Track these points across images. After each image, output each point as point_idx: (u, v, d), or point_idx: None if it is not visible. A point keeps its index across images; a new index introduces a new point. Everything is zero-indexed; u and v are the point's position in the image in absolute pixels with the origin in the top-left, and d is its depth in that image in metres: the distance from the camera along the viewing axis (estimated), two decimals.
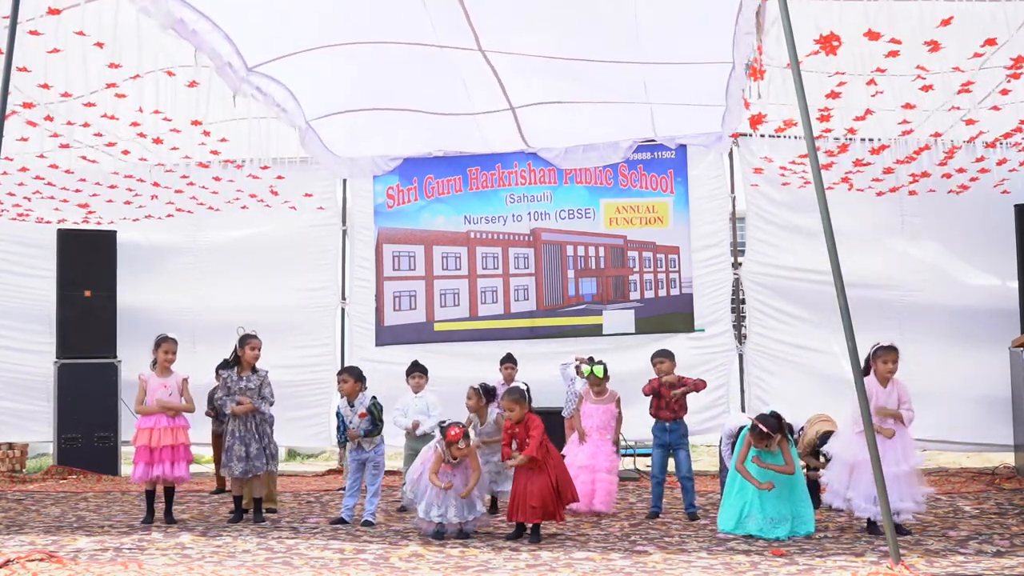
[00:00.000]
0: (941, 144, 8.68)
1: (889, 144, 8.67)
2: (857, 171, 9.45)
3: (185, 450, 7.63)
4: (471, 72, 7.60)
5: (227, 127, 8.53)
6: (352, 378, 7.48)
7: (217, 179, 10.06)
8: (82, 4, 5.93)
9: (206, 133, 8.48)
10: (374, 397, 7.56)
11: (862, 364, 7.04)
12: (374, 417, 7.46)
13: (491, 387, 7.82)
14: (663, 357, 7.80)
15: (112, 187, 9.89)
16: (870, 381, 6.60)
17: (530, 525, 6.64)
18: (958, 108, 7.66)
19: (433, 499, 6.71)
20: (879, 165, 9.17)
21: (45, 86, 7.01)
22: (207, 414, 9.21)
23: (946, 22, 6.02)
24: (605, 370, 7.84)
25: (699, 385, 7.80)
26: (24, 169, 9.18)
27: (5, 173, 9.09)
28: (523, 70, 7.54)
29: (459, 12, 6.55)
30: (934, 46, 6.36)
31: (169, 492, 7.66)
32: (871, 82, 7.04)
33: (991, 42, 6.32)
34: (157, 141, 8.62)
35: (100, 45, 6.43)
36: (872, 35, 6.10)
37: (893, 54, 6.54)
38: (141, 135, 8.47)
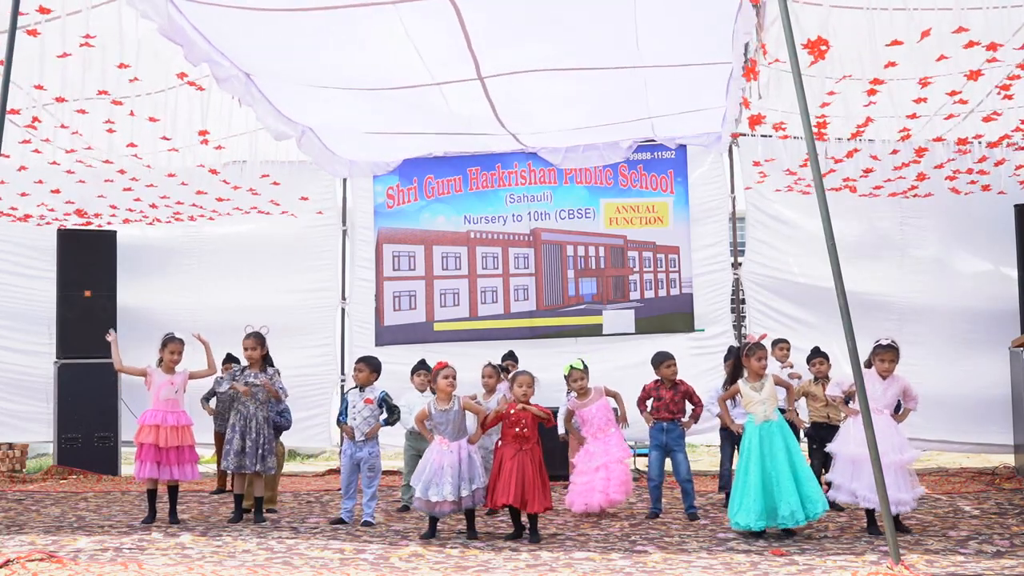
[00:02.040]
0: (941, 146, 8.68)
1: (895, 149, 8.66)
2: (858, 178, 9.45)
3: (191, 451, 7.69)
4: (469, 96, 7.74)
5: (227, 131, 8.54)
6: (368, 368, 7.69)
7: (220, 198, 10.07)
8: (84, 10, 5.93)
9: (204, 142, 8.49)
10: (385, 391, 7.68)
11: (864, 359, 7.09)
12: (388, 406, 7.63)
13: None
14: (673, 361, 7.81)
15: (106, 185, 9.88)
16: (869, 373, 6.64)
17: (528, 524, 6.64)
18: (955, 116, 7.65)
19: (434, 478, 6.68)
20: (879, 171, 9.17)
21: (39, 87, 7.00)
22: (206, 400, 9.27)
23: (960, 29, 6.01)
24: (573, 367, 7.74)
25: (697, 412, 7.87)
26: (23, 168, 9.18)
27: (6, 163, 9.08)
28: (523, 81, 7.58)
29: (461, 41, 6.60)
30: (938, 54, 6.35)
31: (173, 492, 7.67)
32: (872, 92, 7.03)
33: (992, 47, 6.32)
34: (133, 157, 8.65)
35: (90, 45, 6.41)
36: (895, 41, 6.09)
37: (891, 64, 6.53)
38: (138, 145, 8.49)
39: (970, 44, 6.22)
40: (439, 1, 6.12)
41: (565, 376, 7.77)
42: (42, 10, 5.98)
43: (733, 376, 7.02)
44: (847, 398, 6.87)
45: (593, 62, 7.38)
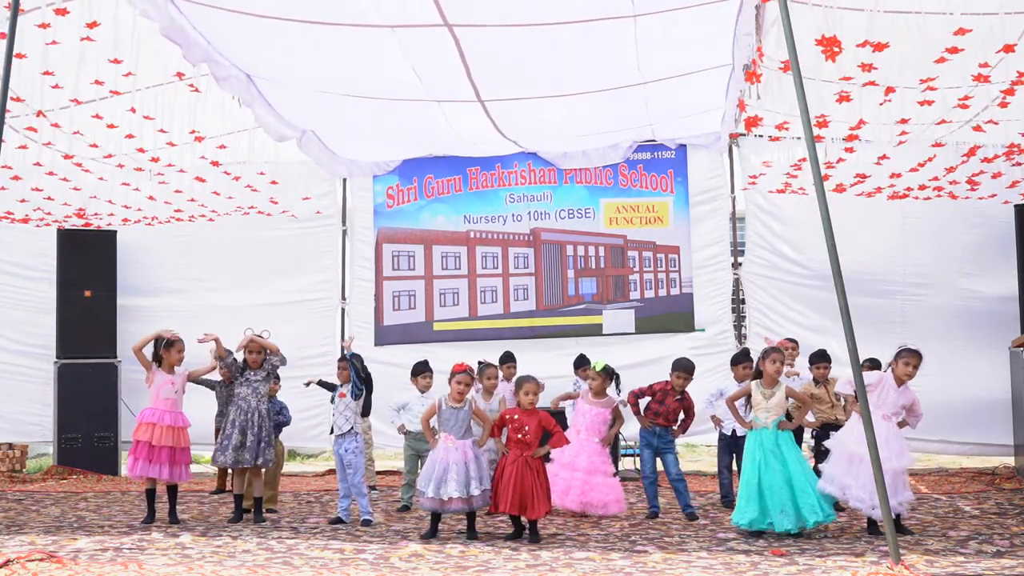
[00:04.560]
0: (941, 154, 8.68)
1: (888, 156, 8.67)
2: (856, 182, 9.47)
3: (184, 452, 7.67)
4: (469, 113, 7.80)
5: (227, 132, 8.55)
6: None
7: (216, 193, 10.09)
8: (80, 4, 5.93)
9: (199, 139, 8.50)
10: (355, 355, 7.56)
11: (885, 365, 7.08)
12: (356, 371, 7.47)
13: (482, 363, 8.14)
14: (691, 375, 7.75)
15: (106, 185, 9.88)
16: (886, 376, 6.67)
17: (527, 524, 6.65)
18: (945, 121, 7.65)
19: (443, 476, 6.68)
20: (878, 174, 9.18)
21: (57, 86, 7.00)
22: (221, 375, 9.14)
23: (960, 31, 6.01)
24: (606, 368, 7.75)
25: (686, 424, 7.83)
26: (18, 179, 9.21)
27: (7, 167, 9.08)
28: (525, 104, 7.64)
29: (461, 71, 6.64)
30: (940, 58, 6.36)
31: (173, 491, 7.67)
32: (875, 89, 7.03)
33: (1009, 49, 6.31)
34: (147, 156, 8.63)
35: (89, 39, 6.41)
36: (877, 46, 6.09)
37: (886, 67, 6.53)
38: (137, 145, 8.49)
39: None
40: (438, 30, 6.14)
41: (590, 366, 7.78)
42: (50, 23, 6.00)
43: (755, 378, 6.99)
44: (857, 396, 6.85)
45: (595, 86, 7.41)
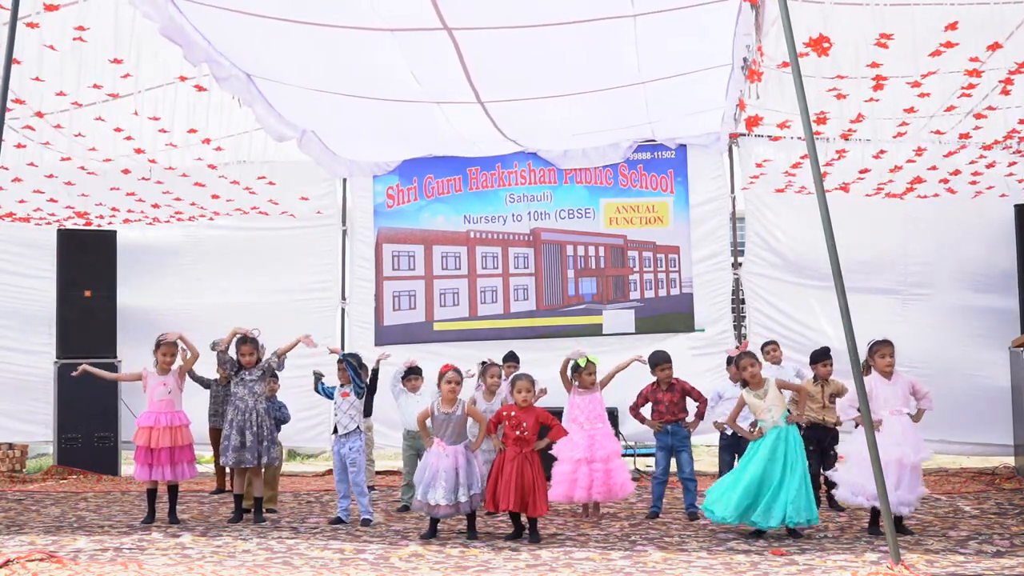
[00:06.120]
0: (937, 145, 8.68)
1: (887, 150, 8.67)
2: (857, 179, 9.47)
3: (186, 450, 7.66)
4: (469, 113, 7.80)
5: (227, 131, 8.55)
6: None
7: (215, 197, 10.07)
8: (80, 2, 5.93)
9: (206, 141, 8.50)
10: (351, 354, 7.67)
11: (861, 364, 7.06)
12: (354, 369, 7.58)
13: (486, 361, 8.14)
14: (668, 364, 7.78)
15: (106, 187, 9.88)
16: (871, 379, 6.62)
17: (527, 523, 6.65)
18: (954, 108, 7.65)
19: (431, 481, 6.69)
20: (877, 171, 9.18)
21: (61, 92, 7.01)
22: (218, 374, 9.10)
23: (952, 26, 6.01)
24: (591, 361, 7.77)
25: (701, 409, 7.84)
26: (18, 180, 9.21)
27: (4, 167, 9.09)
28: (524, 105, 7.64)
29: (460, 73, 6.64)
30: (934, 51, 6.36)
31: (173, 491, 7.67)
32: (874, 87, 7.04)
33: (995, 46, 6.32)
34: (141, 155, 8.63)
35: (82, 38, 6.41)
36: (883, 38, 6.09)
37: (881, 64, 6.53)
38: (135, 147, 8.49)
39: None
40: (438, 34, 6.14)
41: (581, 366, 7.72)
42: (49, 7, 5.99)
43: (742, 387, 6.99)
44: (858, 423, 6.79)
45: (595, 86, 7.41)
